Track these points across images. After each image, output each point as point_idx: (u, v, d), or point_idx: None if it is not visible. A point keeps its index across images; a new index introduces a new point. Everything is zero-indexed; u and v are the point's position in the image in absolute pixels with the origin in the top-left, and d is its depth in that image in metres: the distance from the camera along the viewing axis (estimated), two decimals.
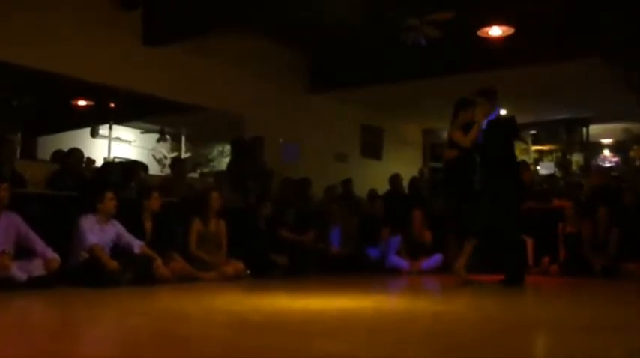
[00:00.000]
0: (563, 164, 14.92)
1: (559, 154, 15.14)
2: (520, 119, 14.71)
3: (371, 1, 9.72)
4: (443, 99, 13.25)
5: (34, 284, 6.48)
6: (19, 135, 12.31)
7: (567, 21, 10.04)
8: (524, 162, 12.46)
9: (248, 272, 8.71)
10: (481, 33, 10.22)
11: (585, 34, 10.07)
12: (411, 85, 12.22)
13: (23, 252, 6.81)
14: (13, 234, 6.80)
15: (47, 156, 10.82)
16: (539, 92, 12.53)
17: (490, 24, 10.05)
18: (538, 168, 15.05)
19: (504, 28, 10.09)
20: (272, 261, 9.11)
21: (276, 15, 9.75)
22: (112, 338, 3.78)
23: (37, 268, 6.67)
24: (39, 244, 6.85)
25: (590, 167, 14.59)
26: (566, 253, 9.71)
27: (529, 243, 9.94)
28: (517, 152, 14.94)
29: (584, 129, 14.93)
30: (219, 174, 11.18)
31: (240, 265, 8.62)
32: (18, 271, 6.46)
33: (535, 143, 15.39)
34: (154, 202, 8.14)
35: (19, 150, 11.14)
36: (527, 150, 15.32)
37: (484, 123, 7.45)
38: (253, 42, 11.42)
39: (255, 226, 9.42)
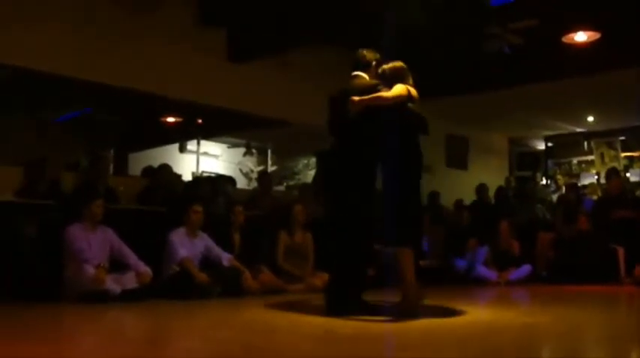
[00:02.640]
0: None
1: None
2: (609, 125, 14.56)
3: (453, 10, 9.67)
4: (529, 107, 13.18)
5: (127, 296, 6.68)
6: (112, 152, 12.69)
7: None
8: (614, 169, 12.19)
9: None
10: (566, 39, 10.05)
11: None
12: (495, 94, 12.09)
13: (117, 265, 7.04)
14: (107, 248, 7.04)
15: (138, 172, 11.12)
16: (627, 97, 12.22)
17: (575, 29, 9.87)
18: (628, 175, 14.66)
19: (590, 33, 9.89)
20: None
21: (357, 28, 9.78)
22: (201, 350, 3.86)
23: (130, 281, 6.88)
24: (132, 258, 7.07)
25: None
26: None
27: (620, 252, 9.71)
28: (606, 159, 14.87)
29: None
30: (304, 186, 11.26)
31: (327, 277, 8.65)
32: (112, 284, 6.67)
33: (624, 149, 14.99)
34: (239, 216, 8.28)
35: (111, 167, 11.49)
36: (617, 157, 14.95)
37: None
38: (336, 55, 11.45)
39: None
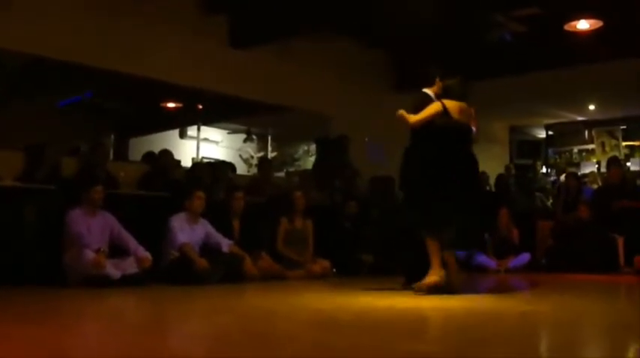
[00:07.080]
0: None
1: None
2: (610, 114, 14.53)
3: None
4: (530, 96, 13.14)
5: (127, 281, 6.71)
6: (112, 137, 12.69)
7: None
8: (614, 158, 12.16)
9: (334, 270, 8.77)
10: (568, 27, 10.03)
11: None
12: (496, 83, 12.06)
13: (117, 250, 7.05)
14: (107, 233, 7.06)
15: (138, 157, 11.11)
16: (629, 86, 12.19)
17: (578, 18, 9.85)
18: (629, 164, 14.63)
19: (592, 21, 9.87)
20: (358, 260, 9.13)
21: (361, 16, 9.76)
22: (201, 336, 3.87)
23: (130, 266, 6.90)
24: (132, 243, 7.08)
25: None
26: None
27: (619, 241, 9.71)
28: (607, 148, 14.83)
29: None
30: (304, 173, 11.26)
31: (326, 263, 8.69)
32: (112, 269, 6.69)
33: (625, 138, 14.95)
34: (239, 202, 8.28)
35: (112, 152, 11.49)
36: (618, 146, 14.92)
37: None
38: (338, 42, 11.45)
39: (341, 225, 9.47)
